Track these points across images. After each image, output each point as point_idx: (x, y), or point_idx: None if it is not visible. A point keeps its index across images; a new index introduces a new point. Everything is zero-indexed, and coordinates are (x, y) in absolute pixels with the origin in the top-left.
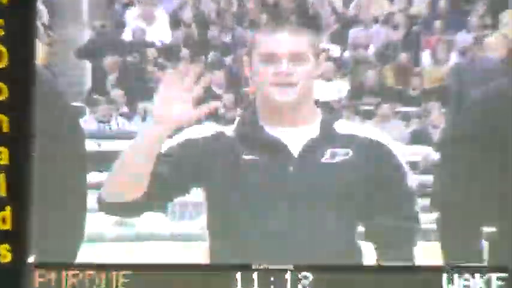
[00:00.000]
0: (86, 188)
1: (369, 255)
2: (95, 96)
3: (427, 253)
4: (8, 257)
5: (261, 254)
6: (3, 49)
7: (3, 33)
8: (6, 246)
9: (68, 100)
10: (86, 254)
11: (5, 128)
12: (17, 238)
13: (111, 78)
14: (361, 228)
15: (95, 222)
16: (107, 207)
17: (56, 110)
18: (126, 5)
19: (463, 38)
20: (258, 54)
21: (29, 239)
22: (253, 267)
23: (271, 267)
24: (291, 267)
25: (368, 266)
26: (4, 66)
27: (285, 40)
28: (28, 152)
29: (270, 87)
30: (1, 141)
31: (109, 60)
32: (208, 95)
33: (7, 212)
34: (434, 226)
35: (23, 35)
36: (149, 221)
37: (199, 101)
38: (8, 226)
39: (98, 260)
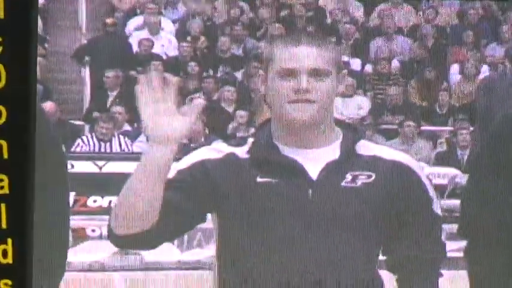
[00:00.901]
0: (67, 216)
1: (390, 286)
2: (94, 114)
3: (454, 283)
4: None
5: None
6: (1, 68)
7: (0, 49)
8: (8, 281)
9: (47, 118)
10: (85, 286)
11: (5, 154)
12: (19, 273)
13: (113, 94)
14: (381, 257)
15: (95, 250)
16: (119, 240)
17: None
18: (128, 14)
19: (494, 50)
20: (276, 70)
21: (31, 274)
22: None
23: None
24: None
25: None
26: (2, 86)
27: (305, 54)
28: (30, 179)
29: (287, 105)
30: (1, 168)
31: (110, 75)
32: (216, 112)
33: (8, 245)
34: (461, 254)
35: (22, 51)
36: (159, 248)
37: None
38: (9, 260)
39: None
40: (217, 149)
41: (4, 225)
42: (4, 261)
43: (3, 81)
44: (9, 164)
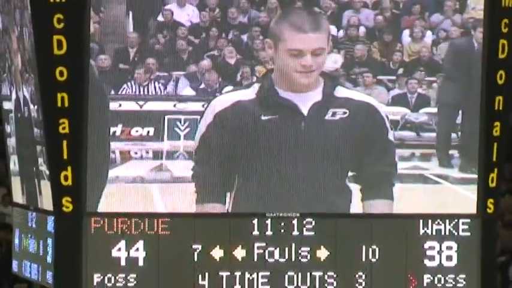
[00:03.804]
0: (108, 144)
1: (356, 193)
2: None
3: (405, 193)
4: (70, 208)
5: (274, 199)
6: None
7: (64, 51)
8: (68, 198)
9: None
10: (130, 194)
11: (66, 103)
12: (76, 192)
13: (133, 50)
14: (350, 173)
15: (137, 167)
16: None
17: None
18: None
19: (438, 19)
20: (286, 48)
21: (85, 193)
22: (267, 215)
23: (281, 214)
24: (298, 214)
25: (358, 214)
26: (63, 52)
27: (309, 39)
28: (84, 121)
29: (295, 73)
30: (64, 114)
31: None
32: (227, 65)
33: (68, 171)
34: (410, 172)
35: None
36: (183, 166)
37: None
38: (69, 182)
39: (140, 198)
40: (227, 99)
41: (65, 157)
42: (65, 183)
43: (65, 49)
44: (69, 110)
